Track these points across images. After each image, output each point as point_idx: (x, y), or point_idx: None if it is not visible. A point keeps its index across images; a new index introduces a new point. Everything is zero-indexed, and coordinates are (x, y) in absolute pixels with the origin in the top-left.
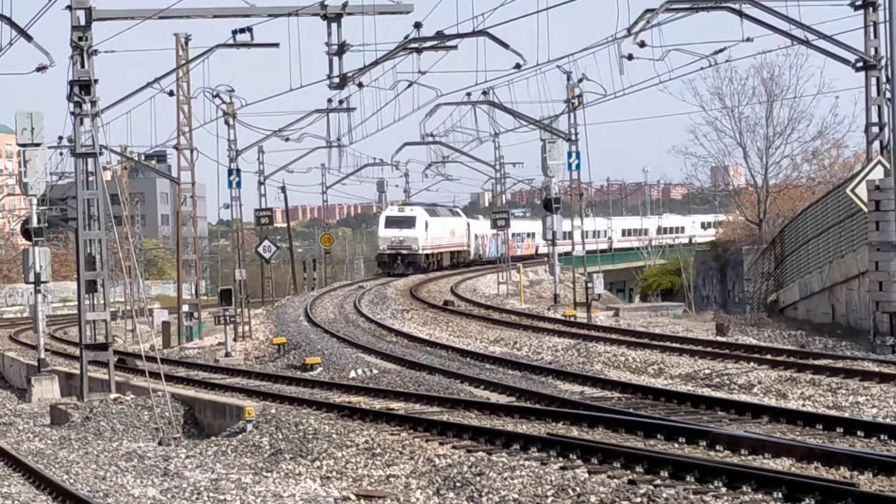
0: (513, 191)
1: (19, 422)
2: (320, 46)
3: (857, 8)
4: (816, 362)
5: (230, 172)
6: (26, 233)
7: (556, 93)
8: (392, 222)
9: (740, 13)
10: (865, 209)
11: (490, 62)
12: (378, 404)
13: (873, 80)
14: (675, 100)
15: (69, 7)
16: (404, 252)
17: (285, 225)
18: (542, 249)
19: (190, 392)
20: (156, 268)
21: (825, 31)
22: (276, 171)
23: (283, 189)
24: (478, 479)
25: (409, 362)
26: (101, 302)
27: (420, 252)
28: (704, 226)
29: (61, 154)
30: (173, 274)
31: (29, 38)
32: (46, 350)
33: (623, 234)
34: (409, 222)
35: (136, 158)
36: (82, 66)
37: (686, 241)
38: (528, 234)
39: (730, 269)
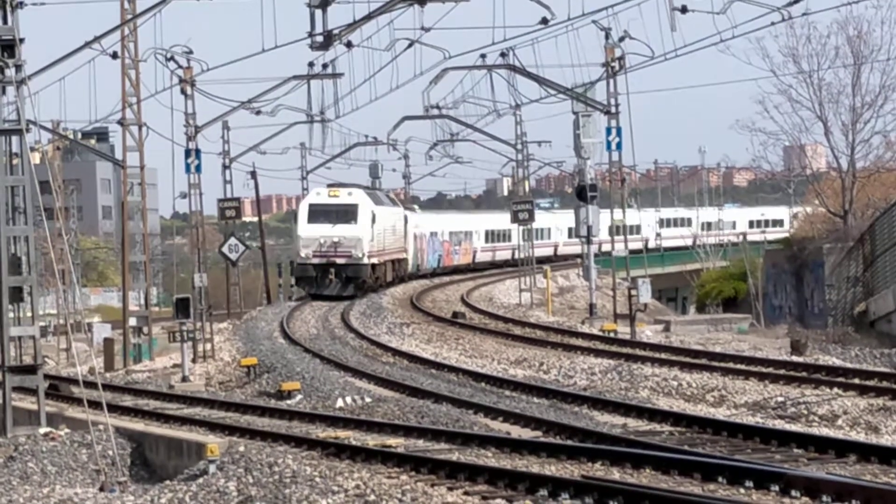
0: (538, 176)
1: None
2: None
3: None
4: None
5: (188, 154)
6: None
7: (593, 54)
8: (320, 214)
9: None
10: None
11: (510, 16)
12: (372, 440)
13: None
14: (740, 63)
15: None
16: (341, 262)
17: (256, 219)
18: (484, 255)
19: (139, 426)
20: (96, 272)
21: None
22: (244, 153)
23: (254, 174)
24: None
25: (409, 388)
26: (29, 314)
27: (365, 262)
28: (753, 224)
29: None
30: (117, 280)
31: None
32: None
33: (663, 225)
34: (347, 214)
35: (72, 136)
36: (4, 21)
37: (754, 237)
38: (465, 234)
39: (808, 273)
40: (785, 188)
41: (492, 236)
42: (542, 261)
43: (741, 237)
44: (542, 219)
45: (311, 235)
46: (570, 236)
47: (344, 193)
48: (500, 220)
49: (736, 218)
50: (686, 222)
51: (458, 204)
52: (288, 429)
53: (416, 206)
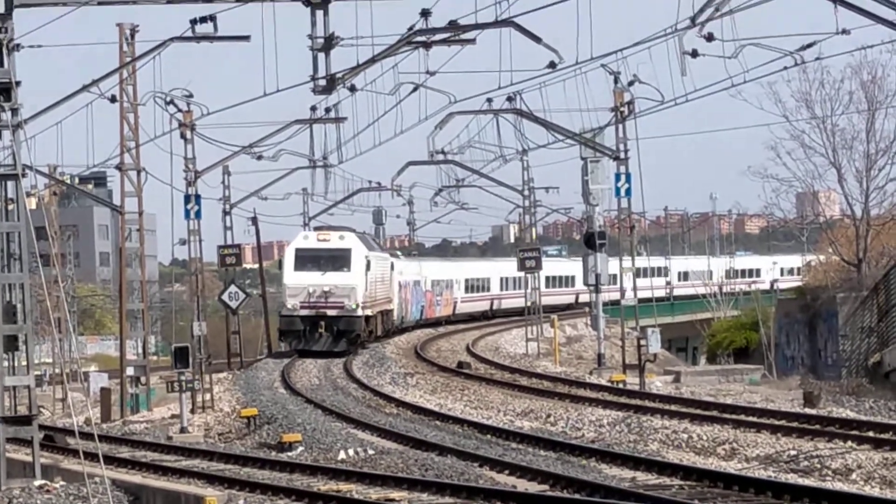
0: (545, 222)
1: None
2: (302, 40)
3: None
4: None
5: (187, 199)
6: None
7: (601, 99)
8: (309, 260)
9: None
10: None
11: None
12: (375, 494)
13: None
14: (752, 108)
15: None
16: (332, 313)
17: (257, 266)
18: (464, 306)
19: (136, 478)
20: (93, 320)
21: None
22: (245, 198)
23: (255, 220)
24: None
25: (413, 440)
26: (24, 363)
27: (359, 313)
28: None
29: None
30: (114, 328)
31: None
32: None
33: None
34: (339, 260)
35: (69, 181)
36: (0, 64)
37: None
38: (446, 283)
39: (821, 323)
40: (798, 236)
41: (472, 286)
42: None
43: (716, 288)
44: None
45: (299, 284)
46: (547, 286)
47: (335, 237)
48: (480, 268)
49: (714, 268)
50: (663, 272)
51: (464, 251)
52: (289, 482)
53: (398, 253)
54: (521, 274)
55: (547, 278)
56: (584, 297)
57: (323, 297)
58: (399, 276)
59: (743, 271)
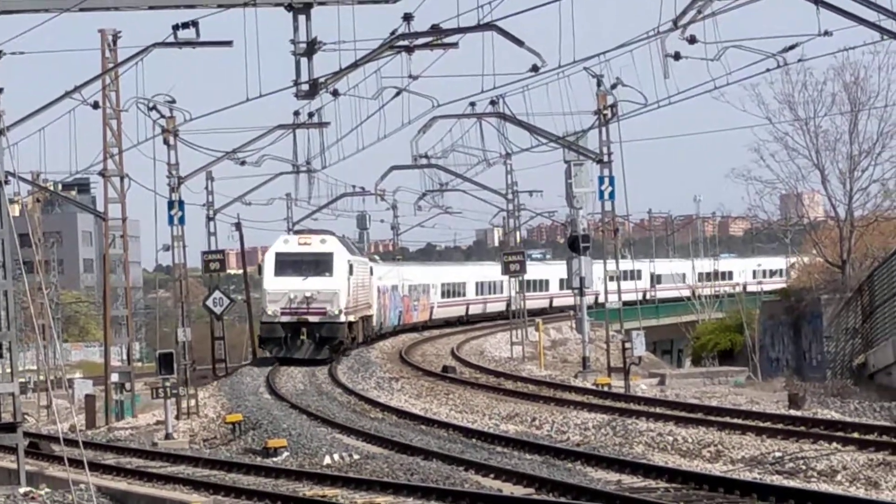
0: (529, 226)
1: None
2: (285, 45)
3: None
4: None
5: (171, 205)
6: None
7: (584, 102)
8: (289, 265)
9: (816, 0)
10: None
11: (500, 64)
12: (360, 499)
13: None
14: (735, 110)
15: None
16: (314, 320)
17: (241, 271)
18: (440, 311)
19: (121, 484)
20: (77, 327)
21: None
22: (229, 204)
23: (238, 226)
24: None
25: (398, 445)
26: (8, 370)
27: (342, 320)
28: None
29: None
30: (99, 335)
31: None
32: None
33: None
34: (321, 264)
35: (52, 188)
36: None
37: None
38: (423, 288)
39: (805, 325)
40: (781, 238)
41: (448, 291)
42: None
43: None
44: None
45: (280, 290)
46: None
47: (316, 241)
48: (456, 272)
49: (685, 270)
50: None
51: (448, 255)
52: (274, 487)
53: (376, 257)
54: (498, 278)
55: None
56: (558, 301)
57: (304, 303)
58: (378, 281)
59: (714, 274)
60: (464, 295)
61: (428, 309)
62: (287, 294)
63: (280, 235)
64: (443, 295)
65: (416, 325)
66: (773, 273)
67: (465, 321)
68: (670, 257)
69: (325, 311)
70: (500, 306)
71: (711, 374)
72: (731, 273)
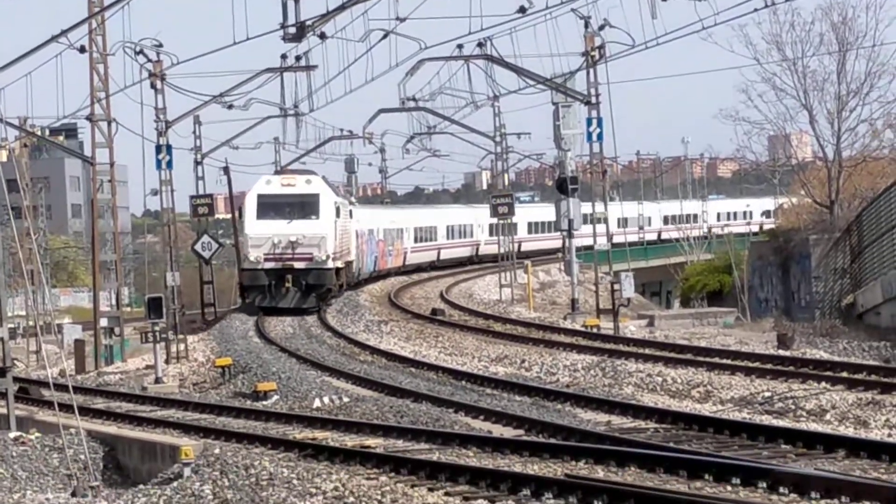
0: (517, 169)
1: None
2: None
3: None
4: None
5: (158, 150)
6: None
7: (572, 44)
8: (271, 207)
9: None
10: None
11: (487, 5)
12: (350, 441)
13: None
14: (722, 51)
15: None
16: (300, 266)
17: (229, 216)
18: (413, 256)
19: (111, 429)
20: (66, 272)
21: None
22: (216, 148)
23: (227, 170)
24: None
25: (388, 387)
26: None
27: (329, 265)
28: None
29: None
30: (88, 280)
31: None
32: None
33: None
34: (306, 206)
35: (40, 133)
36: None
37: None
38: (397, 233)
39: (794, 265)
40: (770, 178)
41: (420, 236)
42: (457, 264)
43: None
44: (459, 214)
45: (262, 234)
46: (491, 234)
47: (301, 181)
48: (427, 216)
49: (649, 213)
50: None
51: (436, 198)
52: (264, 430)
53: (353, 199)
54: (468, 222)
55: (491, 227)
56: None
57: (290, 249)
58: (356, 225)
59: (675, 217)
60: (435, 240)
61: (402, 254)
62: (270, 239)
63: (263, 179)
64: (416, 240)
65: (389, 271)
66: (732, 216)
67: (437, 266)
68: (657, 199)
69: (311, 257)
70: (470, 251)
71: (700, 315)
72: (695, 216)
